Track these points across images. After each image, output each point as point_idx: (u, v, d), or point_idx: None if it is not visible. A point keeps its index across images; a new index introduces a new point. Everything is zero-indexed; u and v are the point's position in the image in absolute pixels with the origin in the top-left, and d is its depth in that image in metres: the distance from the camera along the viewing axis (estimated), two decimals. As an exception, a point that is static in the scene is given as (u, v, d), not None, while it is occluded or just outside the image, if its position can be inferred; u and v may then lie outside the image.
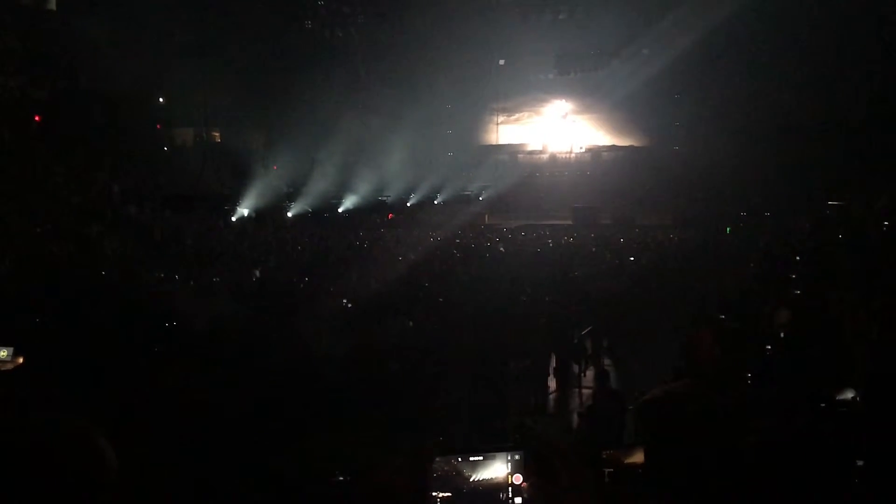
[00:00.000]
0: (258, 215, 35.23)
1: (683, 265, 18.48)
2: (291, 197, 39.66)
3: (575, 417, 9.65)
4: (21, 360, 6.70)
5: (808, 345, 5.92)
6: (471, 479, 2.44)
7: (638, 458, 2.82)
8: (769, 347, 6.29)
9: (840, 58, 32.45)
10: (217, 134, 42.58)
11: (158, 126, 39.05)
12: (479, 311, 12.13)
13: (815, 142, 33.68)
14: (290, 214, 38.42)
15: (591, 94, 46.97)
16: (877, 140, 30.64)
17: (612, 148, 48.70)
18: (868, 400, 2.71)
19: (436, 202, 44.38)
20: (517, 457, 2.46)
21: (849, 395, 3.43)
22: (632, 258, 20.51)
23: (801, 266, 12.18)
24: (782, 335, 6.98)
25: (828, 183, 31.19)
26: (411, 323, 11.06)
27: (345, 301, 12.97)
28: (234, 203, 35.21)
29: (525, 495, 2.43)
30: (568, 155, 49.95)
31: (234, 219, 34.23)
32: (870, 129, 31.62)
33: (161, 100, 38.37)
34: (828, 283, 8.92)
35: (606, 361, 13.03)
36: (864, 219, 18.44)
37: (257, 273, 17.19)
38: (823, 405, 3.36)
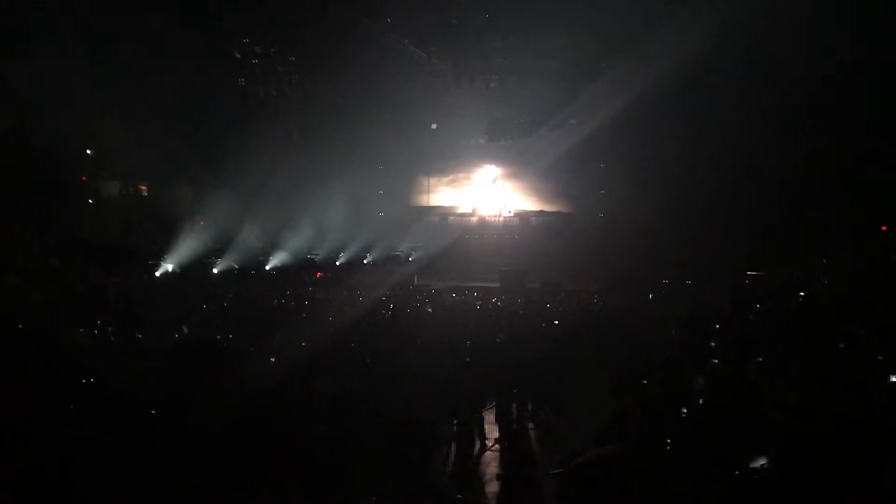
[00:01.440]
0: (184, 271, 34.59)
1: (608, 330, 18.75)
2: (218, 253, 39.11)
3: (496, 483, 9.61)
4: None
5: (724, 411, 6.05)
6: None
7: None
8: (685, 412, 6.40)
9: (762, 132, 33.72)
10: (144, 188, 41.92)
11: (84, 178, 38.24)
12: (405, 371, 12.08)
13: (735, 213, 34.88)
14: (216, 271, 37.82)
15: (520, 161, 47.81)
16: (794, 215, 31.84)
17: (540, 213, 49.43)
18: (779, 467, 2.78)
19: (365, 262, 44.26)
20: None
21: (762, 462, 3.52)
22: (556, 322, 20.71)
23: (720, 333, 12.47)
24: (700, 401, 7.12)
25: (747, 254, 32.16)
26: (337, 382, 10.94)
27: (271, 359, 12.77)
28: (159, 258, 34.53)
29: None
30: (497, 219, 50.51)
31: (158, 274, 33.54)
32: (786, 205, 32.84)
33: (88, 151, 37.66)
34: (746, 350, 9.14)
35: (530, 425, 13.06)
36: (781, 289, 19.01)
37: (185, 329, 16.81)
38: (737, 472, 3.44)
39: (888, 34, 27.02)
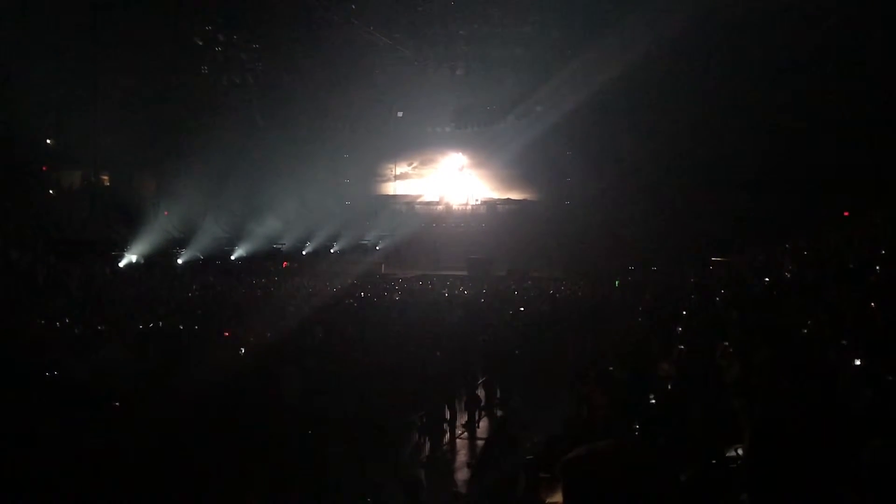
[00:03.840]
0: (148, 261, 34.15)
1: (575, 317, 18.83)
2: (182, 243, 38.67)
3: (465, 470, 9.59)
4: None
5: (691, 397, 6.07)
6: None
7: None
8: (653, 399, 6.42)
9: (727, 120, 34.03)
10: (106, 177, 41.27)
11: (44, 168, 37.56)
12: (374, 360, 12.05)
13: (700, 200, 35.17)
14: (180, 261, 37.41)
15: (486, 148, 47.83)
16: (758, 201, 32.17)
17: (507, 201, 49.51)
18: (754, 455, 2.77)
19: (332, 251, 44.08)
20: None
21: (737, 450, 3.52)
22: (522, 309, 20.78)
23: (686, 319, 12.56)
24: (668, 387, 7.15)
25: (711, 240, 32.44)
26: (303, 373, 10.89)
27: (240, 350, 12.68)
28: (122, 248, 34.04)
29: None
30: (464, 207, 50.52)
31: (122, 265, 33.08)
32: (750, 191, 33.17)
33: (48, 141, 36.96)
34: (712, 336, 9.20)
35: (499, 412, 13.07)
36: (745, 274, 19.20)
37: (149, 321, 16.62)
38: (713, 461, 3.43)
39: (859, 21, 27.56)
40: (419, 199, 51.71)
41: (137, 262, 33.84)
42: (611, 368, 8.66)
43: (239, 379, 9.89)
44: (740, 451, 3.49)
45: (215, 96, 40.66)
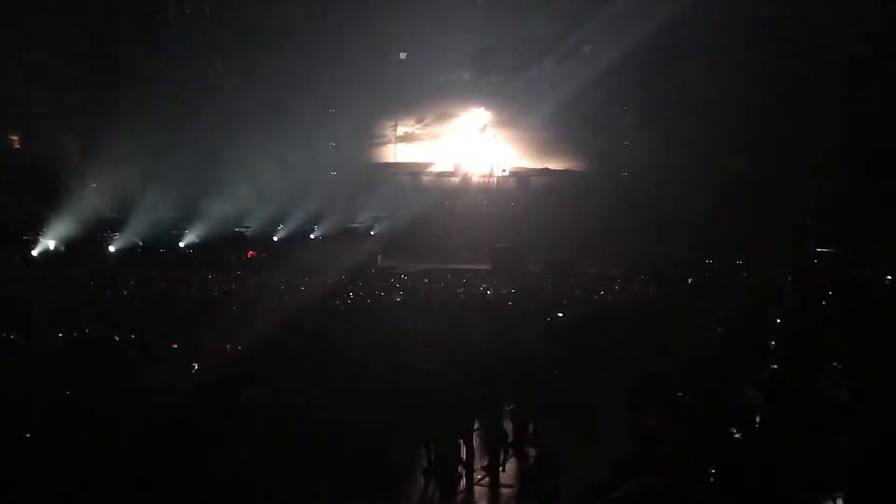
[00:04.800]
0: (70, 249, 34.33)
1: (632, 325, 18.80)
2: (116, 225, 38.82)
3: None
4: None
5: (787, 432, 6.06)
6: None
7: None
8: (736, 433, 6.41)
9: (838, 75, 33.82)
10: (16, 138, 41.46)
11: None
12: (366, 381, 12.06)
13: (799, 177, 34.85)
14: (112, 249, 37.58)
15: (516, 102, 47.66)
16: (882, 176, 31.90)
17: (544, 172, 49.36)
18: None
19: (312, 237, 44.13)
20: None
21: (836, 500, 3.52)
22: (562, 314, 20.75)
23: (780, 329, 12.52)
24: (756, 419, 7.14)
25: (813, 225, 32.25)
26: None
27: (193, 366, 12.71)
28: (36, 232, 34.23)
29: None
30: (487, 179, 50.43)
31: (36, 253, 33.28)
32: (862, 166, 32.91)
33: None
34: (814, 352, 9.19)
35: (531, 451, 13.10)
36: (862, 271, 19.14)
37: (75, 332, 16.70)
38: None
39: None
40: (428, 169, 51.65)
41: (57, 250, 34.04)
42: (679, 394, 8.66)
43: (190, 404, 9.92)
44: (838, 501, 3.50)
45: (158, 32, 40.67)
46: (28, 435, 8.57)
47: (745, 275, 30.63)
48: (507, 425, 13.47)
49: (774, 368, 8.73)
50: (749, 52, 36.38)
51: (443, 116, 51.69)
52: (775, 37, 35.35)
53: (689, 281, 32.03)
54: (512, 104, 48.36)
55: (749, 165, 37.14)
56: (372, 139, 51.52)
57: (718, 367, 9.92)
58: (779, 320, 13.60)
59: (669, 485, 2.36)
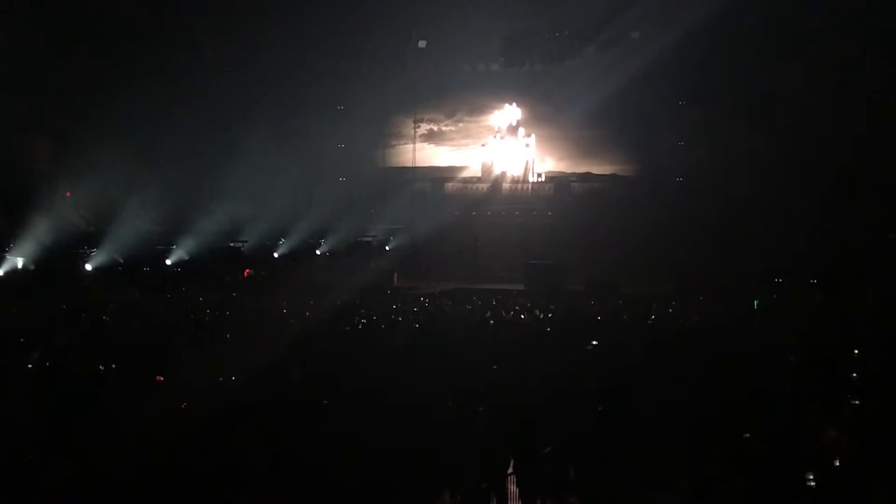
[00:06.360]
0: (40, 267, 34.53)
1: (688, 354, 18.72)
2: (93, 240, 39.02)
3: None
4: None
5: (874, 477, 6.01)
6: None
7: None
8: (813, 481, 6.37)
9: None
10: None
11: None
12: (380, 420, 12.04)
13: (885, 182, 34.66)
14: (90, 267, 37.77)
15: (554, 97, 47.69)
16: None
17: (586, 177, 49.37)
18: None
19: (318, 252, 44.22)
20: None
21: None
22: (607, 341, 20.68)
23: (865, 360, 12.44)
24: (835, 463, 7.08)
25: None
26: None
27: (181, 403, 12.73)
28: (2, 248, 34.45)
29: None
30: (520, 186, 50.42)
31: (1, 272, 33.51)
32: None
33: None
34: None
35: (573, 499, 13.06)
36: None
37: (41, 359, 16.76)
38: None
39: None
40: (451, 174, 51.70)
41: (25, 268, 34.23)
42: (747, 435, 8.60)
43: (177, 445, 9.92)
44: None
45: (142, 19, 40.91)
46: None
47: (820, 296, 30.47)
48: (544, 469, 13.44)
49: (856, 405, 8.66)
50: (835, 42, 36.16)
51: (469, 113, 51.79)
52: (855, 27, 35.17)
53: (756, 303, 31.90)
54: (548, 99, 48.39)
55: (828, 169, 36.79)
56: (387, 140, 51.64)
57: (792, 403, 9.84)
58: (860, 349, 13.51)
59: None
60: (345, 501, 9.63)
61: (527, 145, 50.44)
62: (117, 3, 40.31)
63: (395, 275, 43.77)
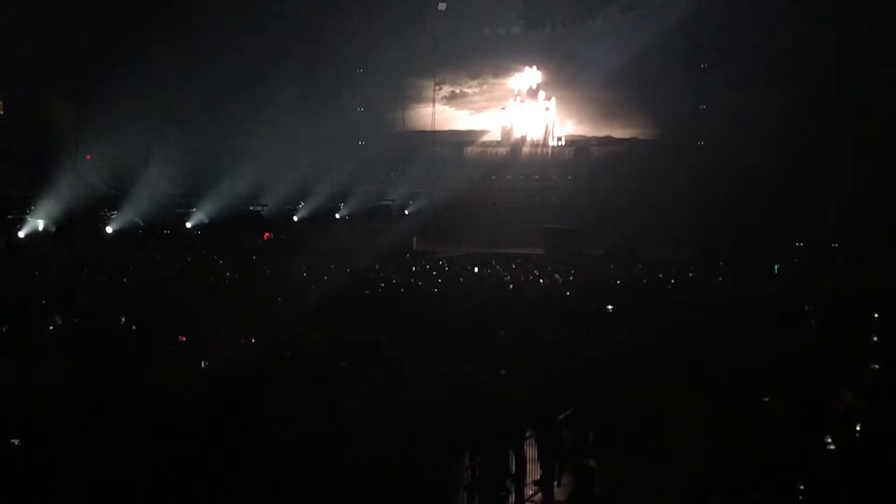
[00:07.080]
0: (61, 229, 34.62)
1: (707, 319, 18.71)
2: (114, 203, 39.08)
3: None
4: None
5: (888, 441, 6.03)
6: None
7: None
8: (831, 444, 6.38)
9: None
10: (-1, 103, 41.85)
11: None
12: (400, 384, 12.07)
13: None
14: (110, 229, 37.86)
15: (574, 60, 47.40)
16: None
17: (606, 141, 49.10)
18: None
19: (338, 217, 44.18)
20: None
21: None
22: (628, 307, 20.69)
23: (883, 326, 12.42)
24: (856, 428, 7.09)
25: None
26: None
27: (202, 363, 12.78)
28: (23, 210, 34.55)
29: None
30: (539, 150, 50.21)
31: (23, 234, 33.62)
32: None
33: None
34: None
35: (591, 462, 13.09)
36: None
37: (58, 319, 16.84)
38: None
39: None
40: (471, 137, 51.53)
41: (46, 231, 34.32)
42: (766, 399, 8.62)
43: (201, 406, 9.98)
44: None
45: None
46: (19, 441, 8.67)
47: (841, 261, 30.36)
48: (563, 433, 13.45)
49: (875, 369, 8.65)
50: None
51: (488, 77, 51.55)
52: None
53: (776, 267, 31.80)
54: (568, 61, 48.09)
55: (849, 133, 36.54)
56: (406, 103, 51.35)
57: (811, 367, 9.84)
58: (878, 315, 13.48)
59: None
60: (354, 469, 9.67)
61: (547, 109, 50.07)
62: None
63: (415, 239, 43.67)
